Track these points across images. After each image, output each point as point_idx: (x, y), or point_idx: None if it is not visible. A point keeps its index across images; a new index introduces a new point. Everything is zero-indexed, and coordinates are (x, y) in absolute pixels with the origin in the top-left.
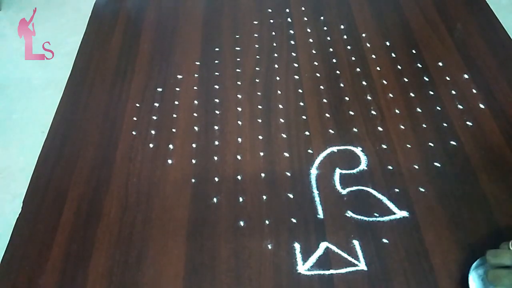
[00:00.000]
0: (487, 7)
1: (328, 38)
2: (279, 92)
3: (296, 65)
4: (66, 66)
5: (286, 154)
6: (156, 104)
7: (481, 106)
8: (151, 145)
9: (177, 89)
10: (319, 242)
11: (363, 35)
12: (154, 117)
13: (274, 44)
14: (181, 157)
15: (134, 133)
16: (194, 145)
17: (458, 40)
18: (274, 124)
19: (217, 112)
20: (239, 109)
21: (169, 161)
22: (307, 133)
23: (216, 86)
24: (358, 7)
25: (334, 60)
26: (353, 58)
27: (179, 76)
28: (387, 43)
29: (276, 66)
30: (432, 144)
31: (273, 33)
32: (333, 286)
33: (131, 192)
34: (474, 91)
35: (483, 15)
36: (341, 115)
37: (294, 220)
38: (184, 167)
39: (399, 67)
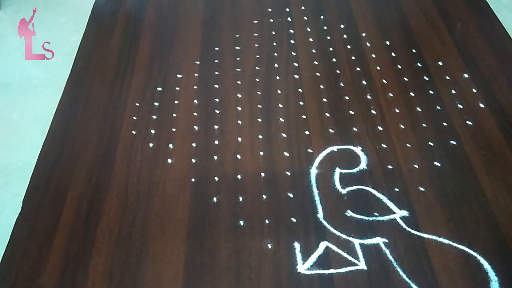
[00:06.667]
0: (487, 6)
1: (328, 38)
2: (279, 91)
3: (296, 64)
4: (66, 65)
5: (286, 154)
6: (156, 104)
7: (481, 105)
8: (151, 145)
9: (177, 88)
10: (319, 242)
11: (363, 34)
12: (154, 117)
13: (274, 44)
14: (181, 156)
15: (134, 132)
16: (194, 145)
17: (458, 40)
18: (274, 124)
19: (217, 111)
20: (239, 108)
21: (169, 161)
22: (307, 132)
23: (216, 86)
24: (358, 7)
25: (334, 60)
26: (353, 58)
27: (179, 76)
28: (387, 43)
29: (276, 65)
30: (432, 144)
31: (273, 33)
32: (333, 286)
33: (131, 192)
34: (474, 90)
35: (483, 14)
36: (341, 114)
37: (294, 220)
38: (184, 166)
39: (399, 66)
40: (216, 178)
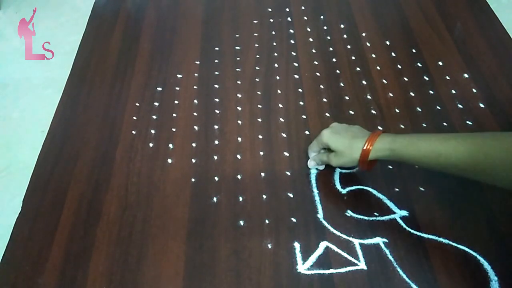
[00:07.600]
0: (487, 6)
1: (328, 38)
2: (279, 91)
3: (296, 64)
4: (66, 65)
5: (286, 154)
6: (156, 104)
7: (481, 105)
8: (151, 145)
9: (177, 88)
10: (319, 242)
11: (363, 34)
12: (154, 117)
13: (274, 44)
14: (181, 156)
15: (134, 132)
16: (194, 145)
17: (458, 40)
18: (274, 124)
19: (217, 111)
20: (239, 108)
21: (169, 161)
22: (307, 132)
23: (216, 86)
24: (358, 7)
25: (334, 60)
26: (353, 58)
27: (179, 76)
28: (387, 43)
29: (276, 65)
30: None
31: (273, 32)
32: (333, 286)
33: (131, 192)
34: (474, 90)
35: (483, 14)
36: (341, 114)
37: (294, 220)
38: (184, 166)
39: (399, 66)
40: (216, 178)
